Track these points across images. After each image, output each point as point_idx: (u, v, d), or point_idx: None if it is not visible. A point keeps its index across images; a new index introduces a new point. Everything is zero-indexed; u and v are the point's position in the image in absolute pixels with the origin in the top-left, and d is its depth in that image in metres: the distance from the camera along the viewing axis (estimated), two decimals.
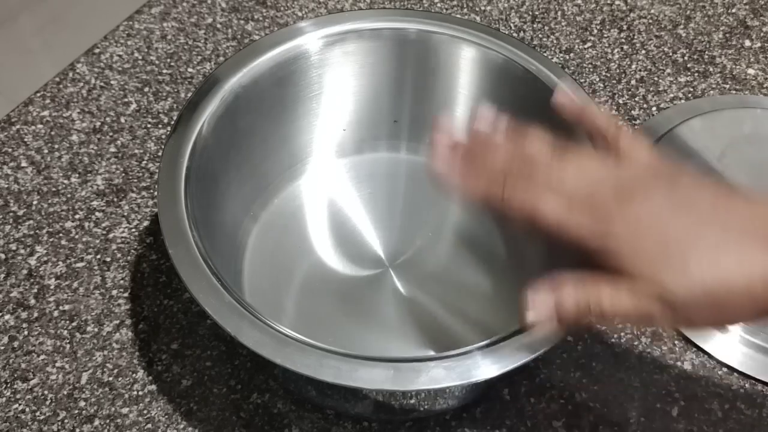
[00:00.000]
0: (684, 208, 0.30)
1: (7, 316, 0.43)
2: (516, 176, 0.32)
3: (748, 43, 0.63)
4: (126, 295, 0.44)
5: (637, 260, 0.30)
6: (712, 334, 0.44)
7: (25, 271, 0.45)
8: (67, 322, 0.43)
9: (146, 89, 0.56)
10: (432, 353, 0.41)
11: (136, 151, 0.52)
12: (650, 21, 0.64)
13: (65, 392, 0.40)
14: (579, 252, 0.34)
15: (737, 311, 0.29)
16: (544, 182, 0.32)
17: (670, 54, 0.61)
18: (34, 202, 0.49)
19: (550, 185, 0.32)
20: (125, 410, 0.40)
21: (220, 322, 0.31)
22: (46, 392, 0.40)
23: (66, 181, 0.50)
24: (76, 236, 0.47)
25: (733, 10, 0.66)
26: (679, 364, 0.43)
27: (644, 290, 0.30)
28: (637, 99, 0.58)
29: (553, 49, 0.61)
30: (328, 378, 0.30)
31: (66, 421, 0.39)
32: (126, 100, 0.55)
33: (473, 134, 0.35)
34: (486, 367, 0.31)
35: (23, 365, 0.41)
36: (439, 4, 0.65)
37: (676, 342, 0.44)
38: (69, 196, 0.49)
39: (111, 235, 0.47)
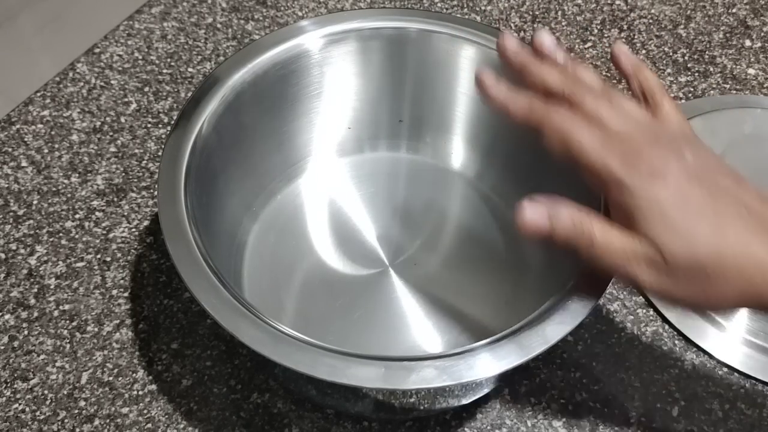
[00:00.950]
0: (706, 173, 0.30)
1: (7, 316, 0.43)
2: (561, 99, 0.33)
3: (748, 43, 0.63)
4: (126, 294, 0.44)
5: (648, 216, 0.29)
6: (712, 332, 0.44)
7: (25, 271, 0.45)
8: (67, 321, 0.43)
9: (146, 89, 0.56)
10: (432, 353, 0.41)
11: (137, 150, 0.52)
12: (650, 21, 0.64)
13: (65, 392, 0.40)
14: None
15: (724, 291, 0.29)
16: (586, 111, 0.32)
17: (671, 54, 0.61)
18: (34, 202, 0.49)
19: (591, 115, 0.32)
20: (125, 410, 0.40)
21: (219, 320, 0.31)
22: (46, 392, 0.40)
23: (66, 181, 0.50)
24: (76, 236, 0.47)
25: (734, 10, 0.66)
26: (679, 364, 0.43)
27: (640, 244, 0.30)
28: None
29: None
30: (323, 375, 0.30)
31: (66, 420, 0.39)
32: (126, 99, 0.55)
33: (528, 53, 0.36)
34: (480, 368, 0.31)
35: (23, 365, 0.41)
36: (439, 4, 0.65)
37: (676, 342, 0.44)
38: (69, 195, 0.49)
39: (111, 235, 0.47)
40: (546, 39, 0.36)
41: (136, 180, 0.50)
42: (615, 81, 0.58)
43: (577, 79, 0.34)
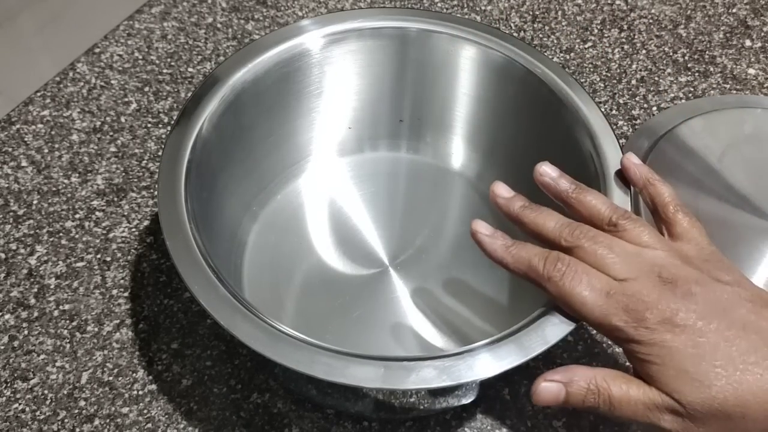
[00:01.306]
0: (718, 309, 0.30)
1: (7, 316, 0.43)
2: (563, 248, 0.32)
3: (748, 42, 0.63)
4: (126, 294, 0.44)
5: (661, 369, 0.29)
6: None
7: (25, 271, 0.45)
8: (67, 321, 0.43)
9: (146, 89, 0.56)
10: (431, 353, 0.41)
11: (137, 150, 0.52)
12: (651, 21, 0.64)
13: (65, 392, 0.40)
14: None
15: (751, 428, 0.28)
16: (587, 259, 0.31)
17: (671, 54, 0.61)
18: (35, 202, 0.49)
19: (592, 263, 0.31)
20: (125, 410, 0.40)
21: (217, 318, 0.31)
22: (46, 392, 0.40)
23: (66, 181, 0.50)
24: (77, 236, 0.47)
25: (734, 10, 0.66)
26: None
27: (659, 395, 0.29)
28: (637, 99, 0.58)
29: (553, 48, 0.61)
30: (320, 374, 0.30)
31: (66, 420, 0.39)
32: (126, 99, 0.55)
33: (520, 198, 0.35)
34: (479, 369, 0.31)
35: (23, 365, 0.41)
36: (439, 4, 0.64)
37: None
38: (69, 195, 0.49)
39: (111, 235, 0.47)
40: (546, 170, 0.35)
41: (136, 180, 0.50)
42: (615, 81, 0.58)
43: (580, 211, 0.34)
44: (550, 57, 0.57)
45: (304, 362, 0.30)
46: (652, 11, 0.65)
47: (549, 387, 0.31)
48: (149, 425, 0.39)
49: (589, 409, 0.31)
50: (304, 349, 0.31)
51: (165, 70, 0.57)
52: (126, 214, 0.48)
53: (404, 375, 0.30)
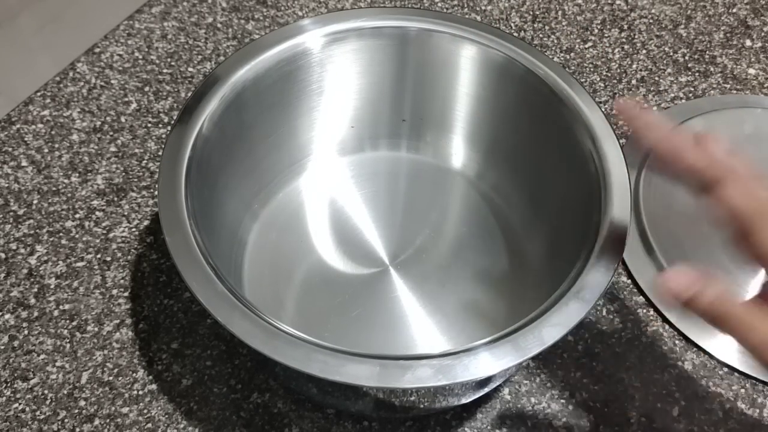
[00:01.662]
0: None
1: (7, 316, 0.43)
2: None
3: (748, 42, 0.63)
4: (126, 294, 0.44)
5: None
6: (712, 332, 0.44)
7: (25, 271, 0.45)
8: (68, 321, 0.43)
9: (146, 89, 0.56)
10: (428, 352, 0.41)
11: (137, 150, 0.52)
12: (651, 21, 0.64)
13: (65, 392, 0.40)
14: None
15: None
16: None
17: (671, 54, 0.61)
18: (35, 202, 0.49)
19: None
20: (125, 410, 0.40)
21: (213, 312, 0.31)
22: (46, 392, 0.40)
23: (66, 181, 0.50)
24: (77, 236, 0.47)
25: (734, 10, 0.66)
26: (679, 364, 0.43)
27: None
28: (637, 99, 0.58)
29: (553, 48, 0.61)
30: (315, 372, 0.30)
31: (66, 420, 0.39)
32: (126, 99, 0.55)
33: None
34: (474, 368, 0.31)
35: (23, 365, 0.41)
36: (439, 4, 0.64)
37: (676, 342, 0.44)
38: (69, 195, 0.49)
39: (111, 235, 0.47)
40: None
41: (136, 180, 0.50)
42: (615, 81, 0.58)
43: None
44: (551, 57, 0.57)
45: (301, 360, 0.30)
46: (653, 11, 0.65)
47: (678, 285, 0.30)
48: (149, 425, 0.39)
49: (713, 322, 0.29)
50: (301, 347, 0.31)
51: (165, 70, 0.57)
52: (126, 213, 0.48)
53: (400, 374, 0.30)
